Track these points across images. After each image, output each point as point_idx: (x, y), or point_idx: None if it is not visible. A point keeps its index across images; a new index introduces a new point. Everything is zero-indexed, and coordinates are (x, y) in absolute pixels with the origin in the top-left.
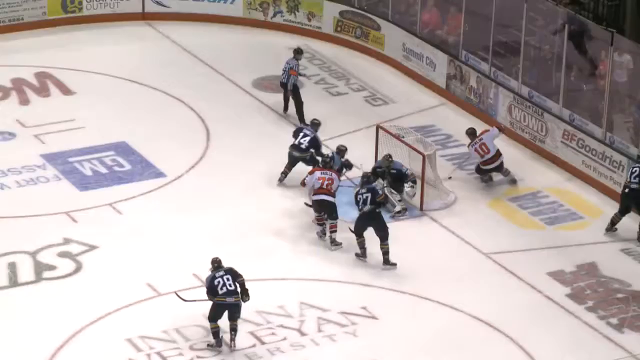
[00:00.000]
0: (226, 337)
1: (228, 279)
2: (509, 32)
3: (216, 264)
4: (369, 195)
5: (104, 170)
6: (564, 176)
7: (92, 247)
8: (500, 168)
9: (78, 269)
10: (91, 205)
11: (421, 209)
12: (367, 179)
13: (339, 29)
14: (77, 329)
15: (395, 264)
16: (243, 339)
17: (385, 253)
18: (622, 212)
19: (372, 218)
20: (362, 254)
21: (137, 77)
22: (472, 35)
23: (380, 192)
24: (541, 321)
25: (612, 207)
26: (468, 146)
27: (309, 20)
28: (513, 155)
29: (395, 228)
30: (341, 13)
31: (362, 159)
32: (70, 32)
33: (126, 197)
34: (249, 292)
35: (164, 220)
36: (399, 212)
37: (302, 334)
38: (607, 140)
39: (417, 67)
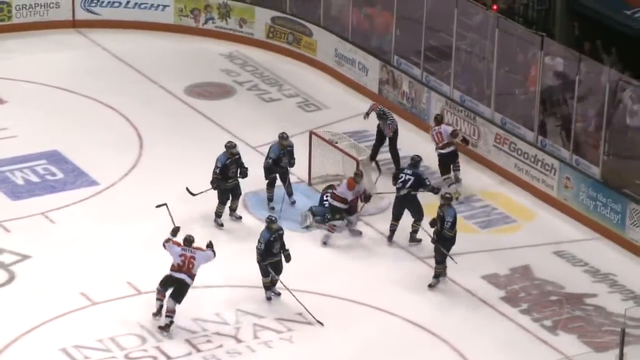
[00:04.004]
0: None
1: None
2: (440, 36)
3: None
4: (412, 179)
5: (36, 179)
6: (496, 180)
7: (25, 257)
8: (453, 157)
9: (11, 279)
10: (23, 214)
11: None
12: (415, 163)
13: (270, 35)
14: (11, 339)
15: (420, 240)
16: (179, 346)
17: (414, 232)
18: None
19: (408, 200)
20: (389, 238)
21: (69, 85)
22: (403, 40)
23: (427, 182)
24: (476, 324)
25: (545, 210)
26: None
27: (241, 26)
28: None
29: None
30: (273, 19)
31: (296, 164)
32: None
33: (59, 206)
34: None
35: (97, 228)
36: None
37: (238, 341)
38: (538, 144)
39: (349, 73)
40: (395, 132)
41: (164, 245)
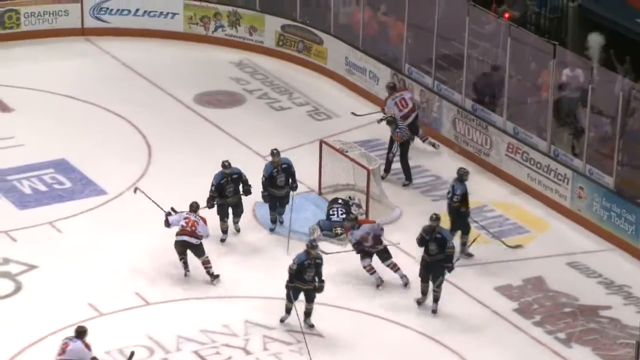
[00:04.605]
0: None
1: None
2: (451, 44)
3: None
4: (451, 190)
5: (43, 188)
6: (509, 190)
7: (32, 267)
8: (415, 128)
9: (18, 289)
10: (31, 224)
11: None
12: (459, 176)
13: (280, 43)
14: (17, 350)
15: (472, 255)
16: (187, 358)
17: (463, 244)
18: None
19: (451, 211)
20: None
21: (77, 93)
22: (415, 48)
23: (454, 199)
24: (489, 336)
25: (558, 221)
26: (386, 100)
27: (251, 34)
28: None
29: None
30: (283, 27)
31: (306, 173)
32: (8, 49)
33: (66, 215)
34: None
35: (105, 238)
36: None
37: (248, 352)
38: (551, 153)
39: (360, 81)
40: (406, 142)
41: (166, 222)
